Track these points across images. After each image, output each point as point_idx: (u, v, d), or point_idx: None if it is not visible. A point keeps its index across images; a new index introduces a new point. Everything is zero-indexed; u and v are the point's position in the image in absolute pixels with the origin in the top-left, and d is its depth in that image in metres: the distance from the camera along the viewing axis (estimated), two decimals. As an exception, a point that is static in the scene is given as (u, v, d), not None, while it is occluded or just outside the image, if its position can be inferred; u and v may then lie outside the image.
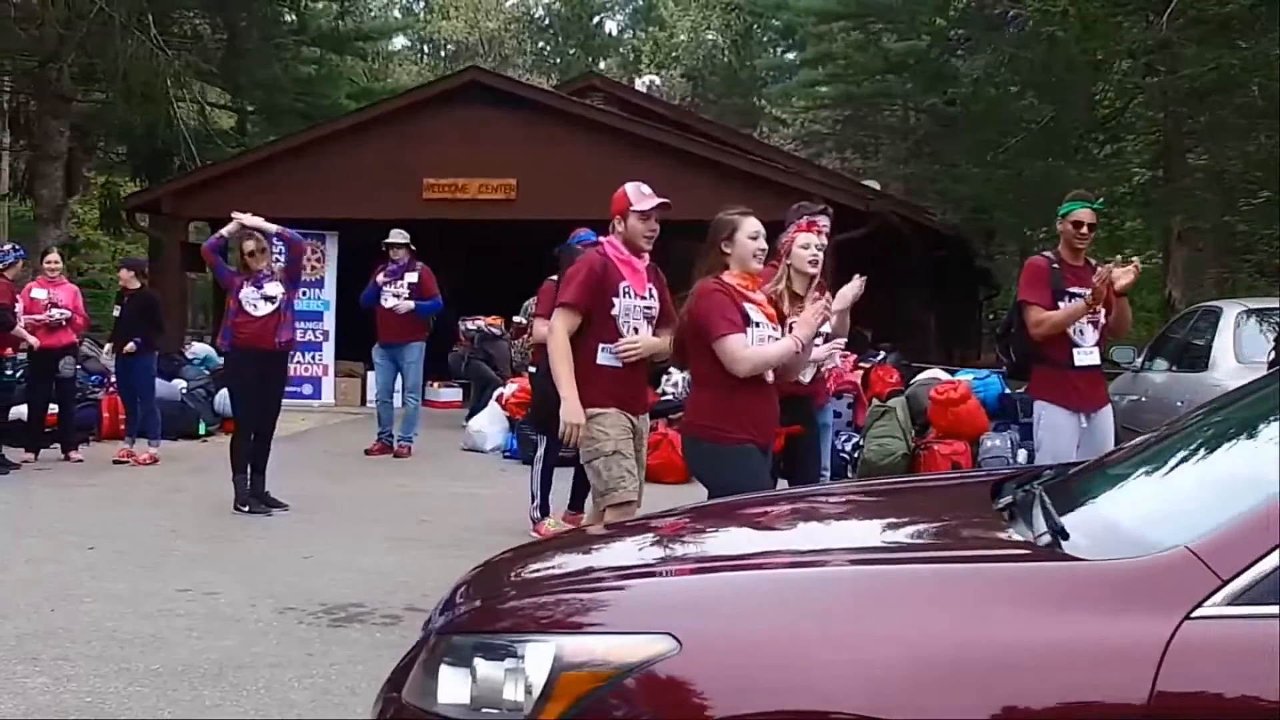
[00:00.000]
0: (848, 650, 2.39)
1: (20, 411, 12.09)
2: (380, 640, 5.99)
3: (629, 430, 6.05)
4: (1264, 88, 14.90)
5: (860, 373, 12.91)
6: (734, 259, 5.50)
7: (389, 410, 13.09)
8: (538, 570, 3.13)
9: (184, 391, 14.22)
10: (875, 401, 11.99)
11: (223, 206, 9.92)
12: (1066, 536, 2.68)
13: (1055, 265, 7.02)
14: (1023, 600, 2.44)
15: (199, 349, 16.45)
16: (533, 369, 9.36)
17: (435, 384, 17.58)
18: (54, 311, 11.72)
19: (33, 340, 11.55)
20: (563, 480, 9.00)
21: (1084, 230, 7.02)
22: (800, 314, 5.74)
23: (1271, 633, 2.33)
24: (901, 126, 32.68)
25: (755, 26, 43.30)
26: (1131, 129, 19.12)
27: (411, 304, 12.68)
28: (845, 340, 7.28)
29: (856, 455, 11.44)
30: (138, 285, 12.11)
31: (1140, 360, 11.13)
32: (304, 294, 17.29)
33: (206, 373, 14.85)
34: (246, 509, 9.46)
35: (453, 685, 2.69)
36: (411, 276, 12.79)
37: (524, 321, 11.76)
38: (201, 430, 13.90)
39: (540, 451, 9.08)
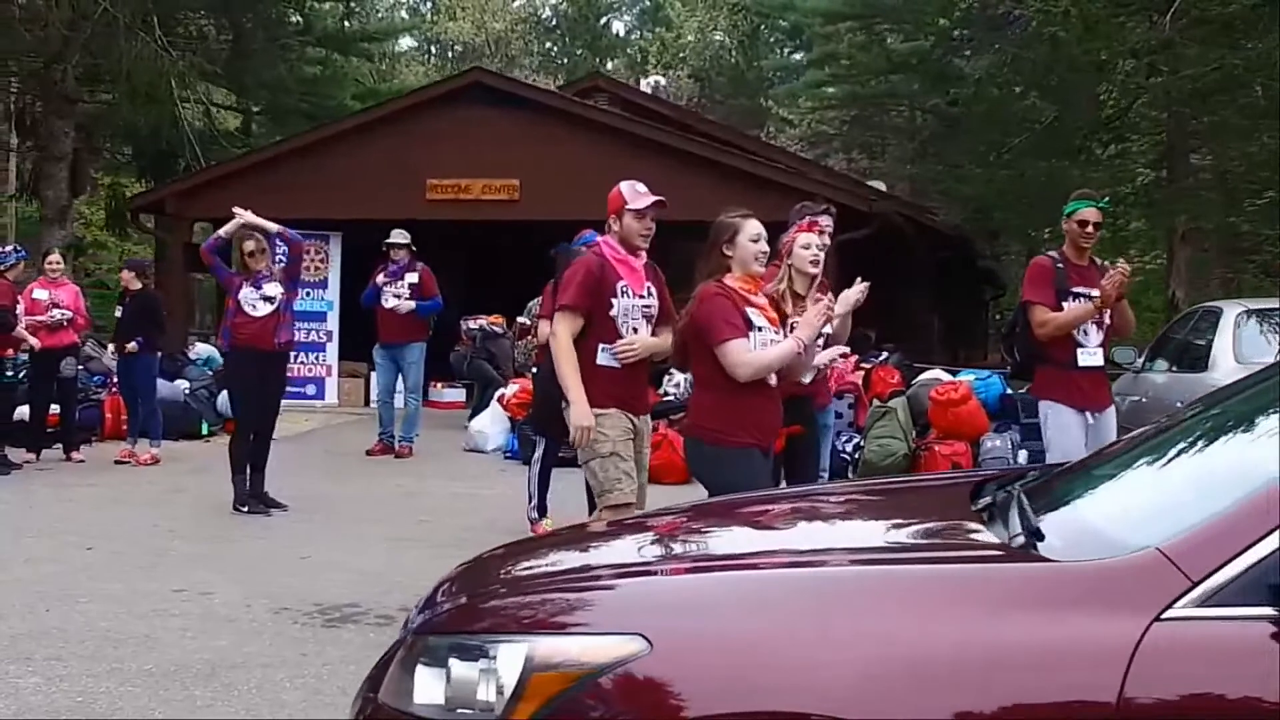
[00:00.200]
0: (817, 651, 2.39)
1: (24, 412, 12.14)
2: (374, 640, 5.98)
3: (629, 431, 6.04)
4: (1267, 88, 14.89)
5: (861, 373, 12.90)
6: (736, 261, 5.49)
7: (390, 411, 13.11)
8: (515, 570, 3.13)
9: (187, 392, 14.25)
10: (876, 402, 11.98)
11: (226, 207, 9.92)
12: (1042, 537, 2.68)
13: (1060, 265, 7.00)
14: (993, 601, 2.43)
15: (202, 349, 16.48)
16: (535, 370, 9.36)
17: (438, 384, 17.61)
18: (55, 312, 11.75)
19: (34, 341, 11.59)
20: (561, 481, 9.00)
21: (1089, 229, 6.98)
22: (802, 314, 5.73)
23: (1241, 634, 2.33)
24: (908, 127, 32.68)
25: (762, 27, 43.28)
26: (1135, 129, 19.09)
27: (412, 304, 12.70)
28: (846, 347, 7.26)
29: (857, 456, 11.43)
30: (139, 286, 12.14)
31: (1141, 361, 11.11)
32: (307, 294, 17.36)
33: (209, 373, 14.87)
34: (246, 509, 9.48)
35: (428, 685, 2.69)
36: (412, 277, 12.81)
37: (527, 323, 11.76)
38: (204, 430, 13.92)
39: (538, 453, 9.08)
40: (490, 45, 44.81)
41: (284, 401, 16.02)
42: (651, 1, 49.39)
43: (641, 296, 6.07)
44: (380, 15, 38.49)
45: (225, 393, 12.72)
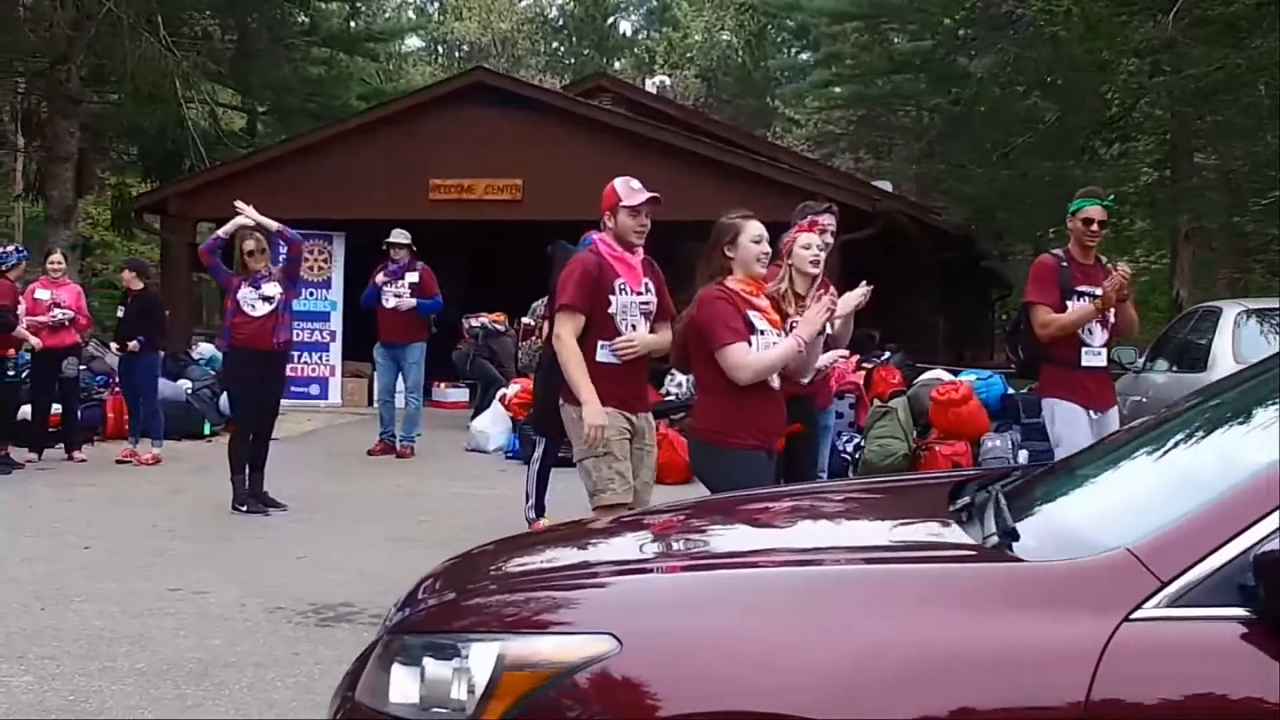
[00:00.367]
0: (786, 651, 2.38)
1: (26, 412, 12.16)
2: (367, 640, 5.92)
3: (626, 430, 6.02)
4: (1270, 88, 14.85)
5: (863, 373, 12.89)
6: (737, 263, 5.48)
7: (391, 410, 13.12)
8: (492, 569, 3.13)
9: (189, 392, 14.28)
10: (877, 402, 11.97)
11: (229, 208, 9.94)
12: (1017, 537, 2.67)
13: (1064, 264, 6.99)
14: (963, 601, 2.43)
15: (205, 349, 16.51)
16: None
17: (442, 384, 17.63)
18: (57, 312, 11.78)
19: (35, 341, 11.61)
20: (560, 481, 8.99)
21: (1094, 227, 6.96)
22: (803, 315, 5.72)
23: (1210, 635, 2.32)
24: (915, 127, 32.64)
25: (769, 27, 43.22)
26: (1140, 129, 19.07)
27: (413, 301, 12.71)
28: (845, 350, 7.24)
29: (857, 456, 11.42)
30: (141, 285, 12.18)
31: (1142, 361, 11.10)
32: (311, 294, 17.40)
33: (212, 373, 14.89)
34: (245, 509, 9.49)
35: (404, 684, 2.69)
36: (412, 276, 12.82)
37: (531, 323, 11.76)
38: (206, 430, 13.94)
39: (538, 453, 9.07)
40: (496, 45, 44.81)
41: (287, 402, 16.08)
42: (659, 1, 49.35)
43: (639, 293, 6.05)
44: (387, 15, 38.50)
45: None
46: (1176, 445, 3.05)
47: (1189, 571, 2.33)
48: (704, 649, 2.44)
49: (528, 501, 8.99)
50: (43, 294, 11.95)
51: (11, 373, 11.80)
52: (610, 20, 50.24)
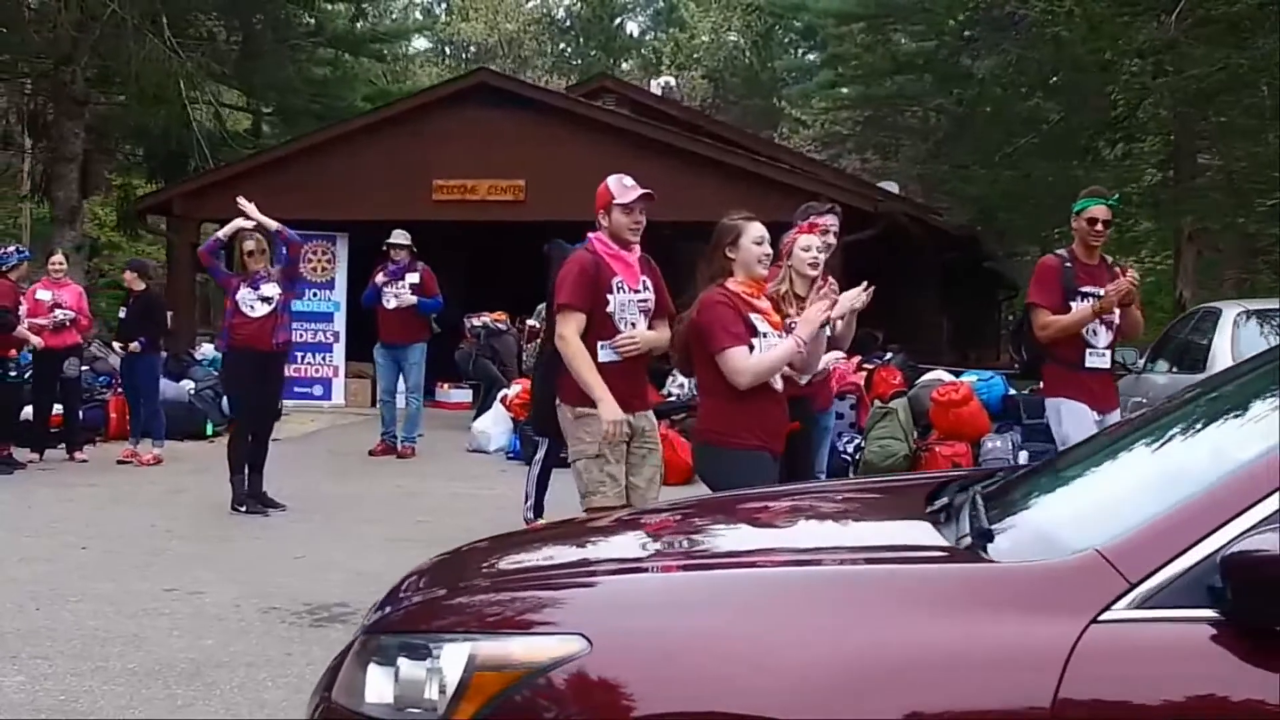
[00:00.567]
0: (754, 652, 2.38)
1: (29, 412, 12.19)
2: (360, 640, 5.99)
3: (623, 430, 6.01)
4: (1273, 88, 14.82)
5: (864, 374, 12.89)
6: (739, 264, 5.47)
7: (392, 411, 13.13)
8: (469, 569, 3.14)
9: (192, 392, 14.31)
10: (877, 403, 11.96)
11: (233, 208, 9.96)
12: (991, 539, 2.67)
13: (1068, 264, 6.95)
14: (932, 603, 2.42)
15: (208, 350, 16.54)
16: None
17: (445, 385, 17.66)
18: (58, 313, 11.80)
19: (36, 341, 11.63)
20: (560, 482, 8.97)
21: (1099, 227, 6.93)
22: (801, 316, 5.72)
23: (1179, 636, 2.32)
24: (922, 127, 32.56)
25: (776, 28, 43.13)
26: (1144, 129, 19.03)
27: (414, 298, 12.71)
28: (842, 352, 7.23)
29: (858, 456, 11.41)
30: (143, 286, 12.21)
31: (1143, 361, 11.08)
32: (314, 295, 17.43)
33: (215, 374, 14.89)
34: (244, 509, 9.50)
35: (379, 684, 2.70)
36: (413, 277, 12.83)
37: (536, 325, 11.77)
38: (208, 431, 13.97)
39: (540, 453, 9.07)
40: (503, 46, 44.81)
41: (290, 402, 16.17)
42: (666, 2, 49.32)
43: (637, 291, 6.01)
44: (393, 17, 38.50)
45: (228, 393, 12.80)
46: (1154, 446, 3.05)
47: (1158, 573, 2.33)
48: (674, 650, 2.44)
49: (526, 502, 8.99)
50: (44, 294, 11.97)
51: (13, 373, 11.82)
52: (617, 21, 50.20)
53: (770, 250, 5.64)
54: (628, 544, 3.21)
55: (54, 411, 12.27)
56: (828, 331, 6.05)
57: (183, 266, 18.66)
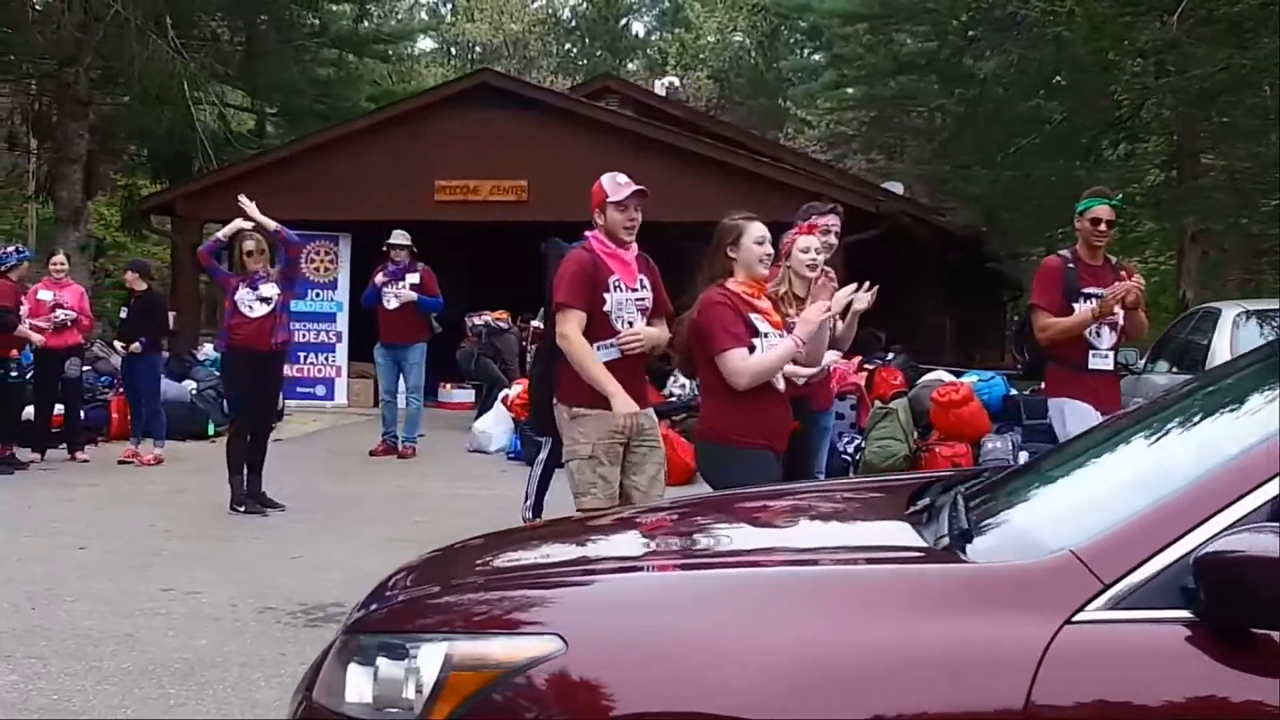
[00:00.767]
0: (727, 652, 2.39)
1: (30, 412, 12.21)
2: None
3: (619, 431, 5.92)
4: (1275, 88, 14.78)
5: (865, 374, 12.88)
6: (740, 264, 5.47)
7: (393, 411, 13.15)
8: (450, 568, 3.15)
9: (194, 392, 14.33)
10: (878, 403, 11.95)
11: (235, 209, 9.97)
12: (970, 539, 2.67)
13: (1071, 265, 6.93)
14: (905, 603, 2.42)
15: (211, 350, 16.55)
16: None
17: (447, 385, 17.68)
18: (59, 313, 11.82)
19: (37, 338, 11.63)
20: (561, 482, 8.97)
21: (1102, 227, 6.91)
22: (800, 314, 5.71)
23: (1152, 638, 2.31)
24: (927, 128, 32.53)
25: (782, 28, 43.10)
26: (1146, 129, 19.00)
27: (414, 295, 12.70)
28: (837, 353, 7.22)
29: (858, 457, 11.40)
30: (144, 286, 12.24)
31: (1143, 362, 11.07)
32: (317, 295, 17.45)
33: (217, 374, 14.91)
34: (243, 509, 9.51)
35: (359, 684, 2.70)
36: (413, 277, 12.84)
37: (540, 325, 11.75)
38: (210, 431, 13.98)
39: (543, 454, 9.05)
40: (508, 47, 44.81)
41: (293, 402, 16.19)
42: (671, 2, 49.31)
43: (634, 290, 5.99)
44: (399, 17, 38.50)
45: (229, 393, 12.80)
46: (1135, 446, 3.05)
47: (1132, 574, 2.33)
48: (649, 650, 2.44)
49: (526, 501, 8.96)
50: (45, 295, 11.99)
51: (14, 373, 11.84)
52: (623, 21, 50.20)
53: (772, 250, 5.64)
54: (611, 544, 3.21)
55: (55, 411, 12.28)
56: (830, 328, 6.04)
57: (187, 267, 18.67)
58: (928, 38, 24.18)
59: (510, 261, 16.71)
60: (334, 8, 25.33)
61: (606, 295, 5.92)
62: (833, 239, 7.02)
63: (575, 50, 49.69)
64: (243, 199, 9.76)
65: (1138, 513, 2.41)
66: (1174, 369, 10.79)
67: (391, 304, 12.79)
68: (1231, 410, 2.84)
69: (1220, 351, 9.66)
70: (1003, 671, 2.29)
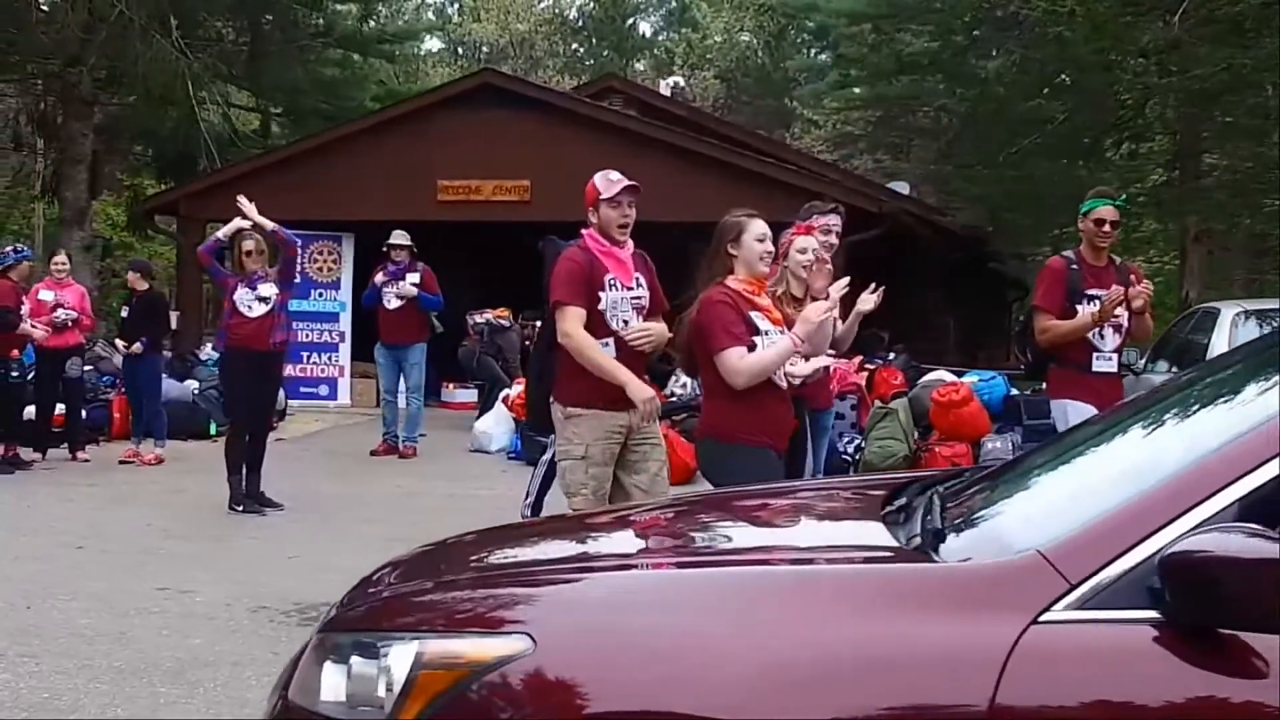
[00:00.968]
0: (695, 652, 2.38)
1: (32, 412, 12.23)
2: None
3: (614, 432, 5.92)
4: (1277, 88, 14.75)
5: (865, 374, 12.88)
6: (740, 261, 5.47)
7: (394, 411, 13.16)
8: (427, 568, 3.15)
9: (196, 392, 14.35)
10: (878, 403, 11.94)
11: (238, 209, 9.96)
12: (943, 539, 2.66)
13: (1075, 266, 6.92)
14: (874, 603, 2.41)
15: (212, 350, 16.57)
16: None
17: (450, 385, 17.69)
18: (60, 312, 11.84)
19: (40, 334, 11.64)
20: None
21: (1106, 228, 6.89)
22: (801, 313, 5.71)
23: (1118, 638, 2.30)
24: (933, 128, 32.48)
25: (789, 28, 43.06)
26: (1149, 129, 18.97)
27: (414, 290, 12.70)
28: (831, 355, 7.21)
29: (858, 457, 11.40)
30: (145, 286, 12.26)
31: (1143, 362, 11.05)
32: (320, 295, 17.48)
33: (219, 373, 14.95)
34: (241, 509, 9.53)
35: (333, 683, 2.70)
36: (413, 277, 12.85)
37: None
38: (212, 430, 13.99)
39: (548, 455, 9.04)
40: (514, 47, 44.84)
41: (296, 402, 16.20)
42: (678, 2, 49.32)
43: (630, 288, 5.95)
44: (405, 17, 38.52)
45: (230, 393, 12.81)
46: (1110, 445, 3.04)
47: (1098, 574, 2.31)
48: (617, 649, 2.44)
49: (527, 499, 8.96)
50: (46, 295, 12.01)
51: (15, 373, 11.86)
52: (629, 21, 50.20)
53: (773, 248, 5.64)
54: (592, 544, 3.21)
55: (56, 411, 12.30)
56: (829, 325, 6.04)
57: (191, 267, 18.66)
58: (932, 37, 24.15)
59: (513, 262, 16.75)
60: (339, 8, 25.35)
61: (602, 294, 5.89)
62: (833, 239, 7.03)
63: (582, 50, 49.71)
64: (241, 199, 9.78)
65: (1105, 512, 2.40)
66: (1174, 369, 10.77)
67: (392, 304, 12.81)
68: (1204, 410, 2.83)
69: (1218, 351, 9.64)
70: (968, 672, 2.28)
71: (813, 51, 44.09)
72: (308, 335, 17.53)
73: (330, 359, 18.01)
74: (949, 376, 12.77)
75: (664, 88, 26.76)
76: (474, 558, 3.18)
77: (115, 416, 13.61)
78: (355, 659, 2.66)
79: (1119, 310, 6.79)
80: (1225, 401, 2.72)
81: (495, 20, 45.30)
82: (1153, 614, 2.29)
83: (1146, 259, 22.64)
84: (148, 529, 8.93)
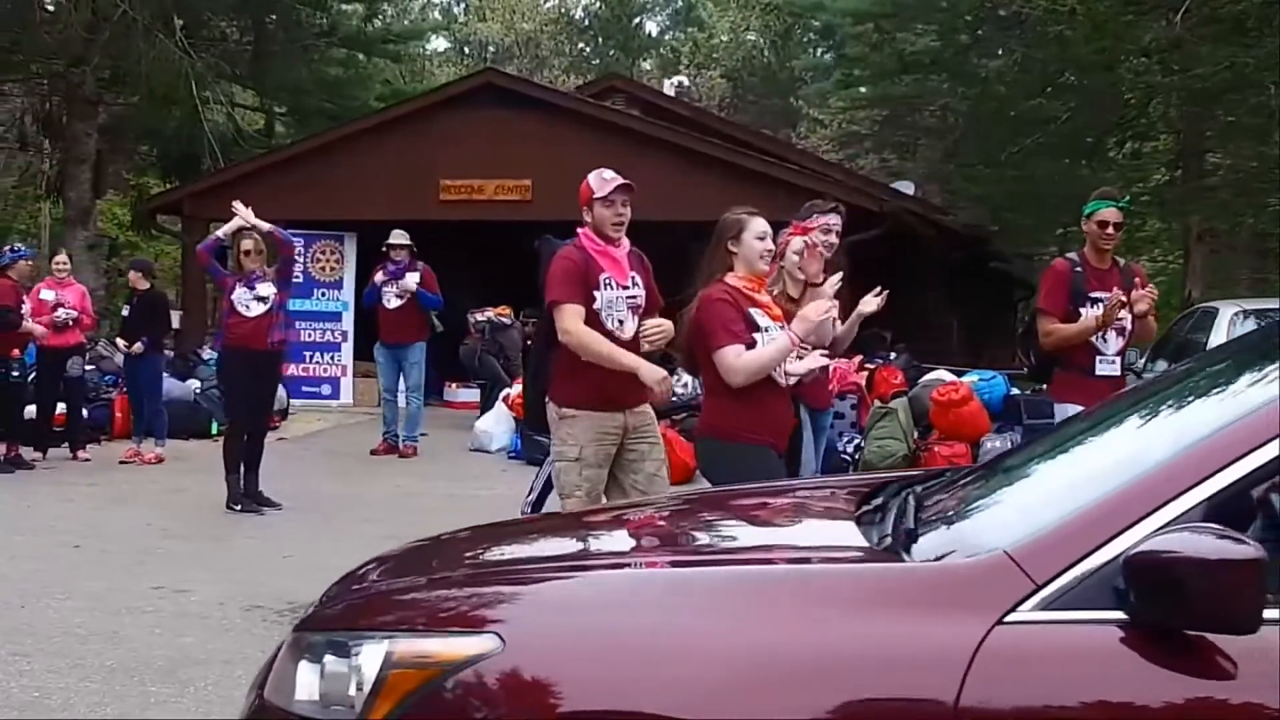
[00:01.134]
0: (663, 651, 2.39)
1: (33, 411, 12.26)
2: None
3: (609, 433, 5.91)
4: (1279, 87, 14.72)
5: (865, 374, 12.86)
6: (740, 259, 5.47)
7: (394, 410, 13.17)
8: (405, 567, 3.16)
9: (197, 391, 14.37)
10: (878, 403, 11.93)
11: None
12: (915, 539, 2.67)
13: (1078, 268, 6.90)
14: (841, 603, 2.42)
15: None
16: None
17: (453, 384, 17.69)
18: (60, 312, 11.86)
19: (41, 330, 11.66)
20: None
21: (1109, 230, 6.87)
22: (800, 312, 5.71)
23: (1084, 639, 2.31)
24: (939, 127, 32.43)
25: (795, 27, 43.02)
26: (1151, 129, 18.95)
27: (414, 287, 12.71)
28: (827, 356, 7.20)
29: (857, 456, 11.39)
30: (146, 285, 12.29)
31: (1144, 362, 11.03)
32: (322, 295, 17.50)
33: (220, 373, 14.97)
34: (239, 508, 9.55)
35: (307, 682, 2.71)
36: (413, 277, 12.85)
37: (546, 323, 11.74)
38: (213, 430, 13.99)
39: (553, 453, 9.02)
40: (520, 46, 44.85)
41: (298, 401, 16.21)
42: (684, 2, 49.29)
43: (626, 287, 5.94)
44: (411, 17, 38.53)
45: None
46: (1085, 446, 3.04)
47: (1064, 574, 2.32)
48: (586, 649, 2.45)
49: (529, 495, 8.95)
50: (47, 294, 12.04)
51: (16, 373, 11.89)
52: (635, 21, 50.17)
53: (773, 246, 5.64)
54: (571, 543, 3.22)
55: (57, 411, 12.32)
56: (829, 324, 6.03)
57: (195, 267, 18.71)
58: (935, 36, 24.12)
59: (514, 261, 16.76)
60: (344, 7, 25.35)
61: (597, 293, 5.87)
62: (833, 238, 7.02)
63: (588, 50, 49.68)
64: (237, 205, 9.79)
65: (1072, 512, 2.41)
66: (1172, 369, 10.76)
67: (391, 303, 12.82)
68: (1176, 411, 2.83)
69: (1217, 351, 9.63)
70: (933, 671, 2.28)
71: (818, 51, 44.01)
72: (310, 335, 17.56)
73: (333, 358, 18.03)
74: (949, 376, 12.74)
75: (667, 87, 26.80)
76: (455, 556, 3.19)
77: (116, 416, 13.64)
78: (328, 658, 2.67)
79: (1122, 313, 6.78)
80: (1197, 402, 2.72)
81: (501, 19, 45.30)
82: (1119, 615, 2.29)
83: (1150, 259, 22.62)
84: (147, 528, 8.94)
